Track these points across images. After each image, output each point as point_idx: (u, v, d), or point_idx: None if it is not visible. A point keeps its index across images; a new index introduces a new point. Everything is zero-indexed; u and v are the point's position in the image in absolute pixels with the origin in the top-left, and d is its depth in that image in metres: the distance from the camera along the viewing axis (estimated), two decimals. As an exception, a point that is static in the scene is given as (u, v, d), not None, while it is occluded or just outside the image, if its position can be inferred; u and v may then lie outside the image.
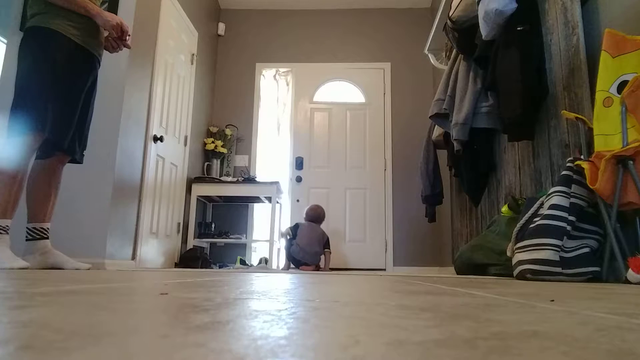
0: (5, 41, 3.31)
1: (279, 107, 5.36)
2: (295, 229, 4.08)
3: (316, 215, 4.16)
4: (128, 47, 2.31)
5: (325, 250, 4.07)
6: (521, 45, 2.38)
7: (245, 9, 5.42)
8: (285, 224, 4.87)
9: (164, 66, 3.79)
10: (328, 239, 4.14)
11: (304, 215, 4.22)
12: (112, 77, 2.98)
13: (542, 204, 1.81)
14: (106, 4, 3.01)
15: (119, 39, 2.25)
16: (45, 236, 2.15)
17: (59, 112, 2.06)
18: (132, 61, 3.17)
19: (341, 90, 5.27)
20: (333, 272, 3.68)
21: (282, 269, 4.02)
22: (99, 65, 2.31)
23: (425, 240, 4.77)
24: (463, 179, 3.34)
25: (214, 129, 4.96)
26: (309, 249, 3.96)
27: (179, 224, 4.14)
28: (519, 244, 1.79)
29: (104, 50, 2.33)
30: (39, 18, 2.08)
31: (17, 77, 2.06)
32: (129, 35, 2.29)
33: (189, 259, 3.96)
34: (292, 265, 4.01)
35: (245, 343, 0.29)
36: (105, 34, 2.27)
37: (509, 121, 2.48)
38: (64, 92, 2.08)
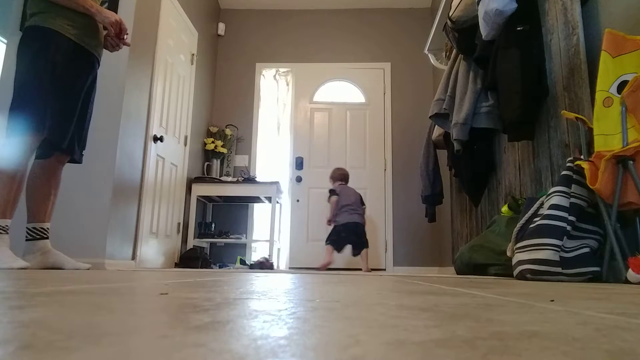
0: (5, 41, 3.31)
1: (279, 107, 5.35)
2: (334, 192, 4.04)
3: (346, 175, 4.19)
4: (127, 44, 2.31)
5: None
6: (521, 45, 2.38)
7: (245, 9, 5.42)
8: (286, 224, 4.88)
9: (164, 66, 3.79)
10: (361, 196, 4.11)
11: (332, 180, 4.20)
12: (112, 77, 2.98)
13: (542, 204, 1.81)
14: (106, 4, 3.01)
15: (117, 37, 2.24)
16: (45, 236, 2.14)
17: (58, 112, 2.06)
18: (132, 61, 3.17)
19: (341, 90, 5.27)
20: (332, 272, 3.67)
21: (322, 266, 3.88)
22: (99, 65, 2.31)
23: (425, 240, 4.77)
24: (463, 179, 3.34)
25: (214, 129, 4.96)
26: (356, 207, 3.96)
27: (179, 224, 4.14)
28: (519, 244, 1.79)
29: (104, 50, 2.32)
30: (38, 17, 2.07)
31: (15, 77, 2.05)
32: (127, 34, 2.29)
33: (189, 259, 3.96)
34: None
35: (245, 343, 0.29)
36: (105, 32, 2.27)
37: (509, 121, 2.48)
38: (62, 92, 2.08)
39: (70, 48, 2.11)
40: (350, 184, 4.94)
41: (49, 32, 2.06)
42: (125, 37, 2.27)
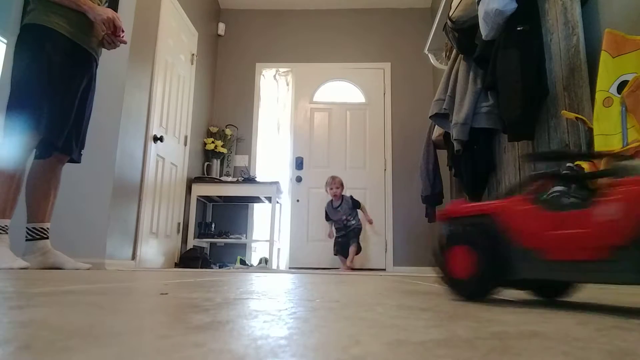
0: (6, 41, 3.30)
1: (279, 107, 5.35)
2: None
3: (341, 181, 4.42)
4: (124, 42, 2.28)
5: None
6: (521, 45, 2.38)
7: (245, 9, 5.42)
8: (286, 224, 4.88)
9: (164, 66, 3.78)
10: (356, 202, 4.38)
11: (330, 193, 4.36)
12: (112, 77, 2.97)
13: (542, 204, 1.80)
14: (106, 4, 3.00)
15: (112, 35, 2.22)
16: (45, 236, 2.14)
17: (55, 111, 2.04)
18: (132, 61, 3.17)
19: (341, 90, 5.27)
20: (332, 272, 3.67)
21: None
22: (97, 64, 2.29)
23: (426, 241, 4.76)
24: (463, 179, 3.34)
25: (214, 129, 4.96)
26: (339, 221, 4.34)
27: (179, 224, 4.14)
28: (519, 244, 1.79)
29: (104, 50, 2.31)
30: (35, 14, 2.06)
31: (12, 75, 2.04)
32: (123, 31, 2.26)
33: (189, 259, 3.96)
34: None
35: (245, 343, 0.29)
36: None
37: (509, 121, 2.48)
38: (59, 91, 2.06)
39: (67, 46, 2.09)
40: (350, 184, 4.95)
41: (45, 30, 2.04)
42: (121, 34, 2.24)
